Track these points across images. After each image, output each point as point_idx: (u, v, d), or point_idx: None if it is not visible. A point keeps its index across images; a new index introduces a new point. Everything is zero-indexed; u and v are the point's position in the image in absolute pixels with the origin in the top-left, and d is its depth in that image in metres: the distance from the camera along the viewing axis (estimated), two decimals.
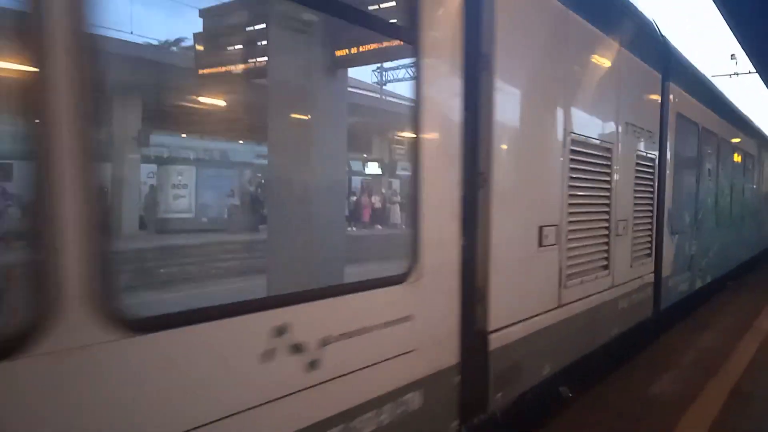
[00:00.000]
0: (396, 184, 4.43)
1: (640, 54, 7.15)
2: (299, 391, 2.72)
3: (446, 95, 3.73)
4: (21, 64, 1.86)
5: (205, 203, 15.30)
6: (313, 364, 2.78)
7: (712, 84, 11.57)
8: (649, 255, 7.57)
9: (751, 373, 6.44)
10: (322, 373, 2.83)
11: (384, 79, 32.27)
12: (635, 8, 7.21)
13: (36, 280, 1.78)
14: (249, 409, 2.48)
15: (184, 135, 20.15)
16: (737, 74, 30.15)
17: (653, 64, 7.71)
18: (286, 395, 2.66)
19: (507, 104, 4.36)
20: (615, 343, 6.50)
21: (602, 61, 6.09)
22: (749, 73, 29.36)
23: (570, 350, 5.42)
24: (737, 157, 13.67)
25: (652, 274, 7.72)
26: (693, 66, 10.15)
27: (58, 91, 1.84)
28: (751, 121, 15.83)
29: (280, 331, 2.62)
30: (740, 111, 14.38)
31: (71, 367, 1.86)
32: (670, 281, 8.40)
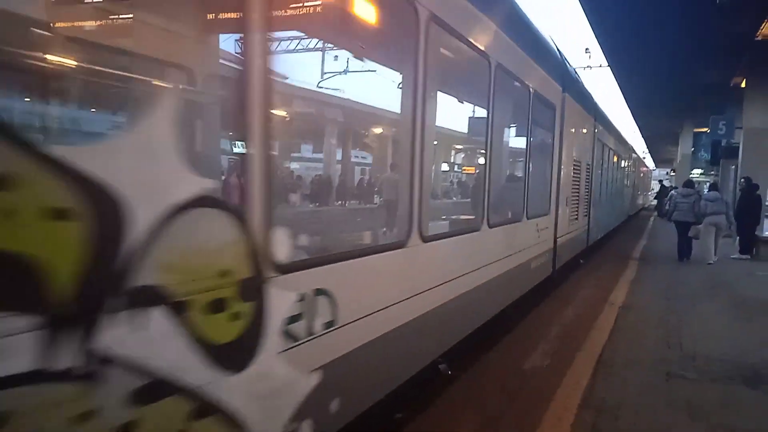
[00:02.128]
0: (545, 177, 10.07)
1: (589, 110, 13.52)
2: (535, 243, 8.58)
3: (556, 144, 9.82)
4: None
5: None
6: (538, 236, 8.68)
7: (607, 115, 18.53)
8: (586, 216, 13.51)
9: (612, 343, 6.97)
10: (539, 240, 8.77)
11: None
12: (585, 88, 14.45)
13: (408, 220, 4.24)
14: (534, 245, 8.50)
15: None
16: (590, 67, 32.74)
17: (590, 112, 13.71)
18: (536, 243, 8.60)
19: (564, 149, 10.37)
20: (577, 257, 13.14)
21: (580, 119, 12.28)
22: (600, 66, 32.04)
23: (569, 254, 11.71)
24: (616, 158, 21.06)
25: (586, 227, 13.74)
26: (602, 108, 16.70)
27: None
28: (621, 133, 24.07)
29: (537, 224, 8.57)
30: (616, 128, 21.72)
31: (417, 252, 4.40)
32: (591, 231, 14.59)
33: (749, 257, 15.33)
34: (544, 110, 8.79)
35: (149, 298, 2.14)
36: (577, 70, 17.39)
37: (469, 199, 6.56)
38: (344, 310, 3.36)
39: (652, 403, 5.14)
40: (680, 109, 29.03)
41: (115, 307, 2.03)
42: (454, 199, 4.84)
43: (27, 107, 3.21)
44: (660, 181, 47.00)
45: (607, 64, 23.98)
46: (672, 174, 51.83)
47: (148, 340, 2.15)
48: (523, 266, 7.86)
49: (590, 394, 5.28)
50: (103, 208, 1.97)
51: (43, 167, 1.78)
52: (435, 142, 5.39)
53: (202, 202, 2.37)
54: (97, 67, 3.68)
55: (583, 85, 13.44)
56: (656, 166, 70.93)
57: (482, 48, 5.65)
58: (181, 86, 2.49)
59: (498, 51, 6.10)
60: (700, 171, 37.90)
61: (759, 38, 14.30)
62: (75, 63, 3.55)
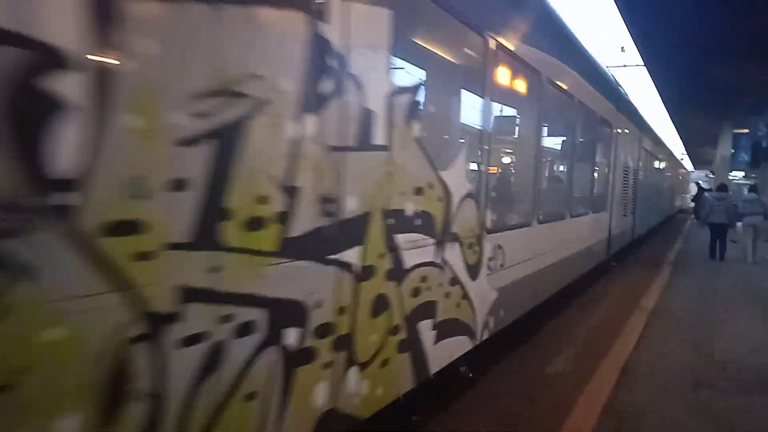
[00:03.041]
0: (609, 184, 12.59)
1: (635, 122, 15.70)
2: (597, 232, 11.07)
3: (612, 154, 12.18)
4: None
5: None
6: (599, 227, 11.21)
7: (653, 128, 21.18)
8: (632, 214, 15.55)
9: (640, 349, 6.78)
10: (599, 230, 11.31)
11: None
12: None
13: (533, 211, 6.84)
14: (596, 233, 11.12)
15: None
16: (626, 66, 32.05)
17: (636, 123, 15.77)
18: (598, 232, 11.15)
19: (618, 158, 12.63)
20: (626, 248, 15.25)
21: (629, 130, 14.42)
22: (636, 65, 31.33)
23: (620, 244, 13.75)
24: (656, 163, 23.24)
25: (632, 223, 15.84)
26: (645, 118, 18.73)
27: None
28: (661, 138, 25.72)
29: (598, 218, 11.04)
30: (657, 134, 23.25)
31: (536, 230, 6.85)
32: (635, 227, 16.66)
33: None
34: (604, 128, 11.32)
35: (453, 237, 4.51)
36: (612, 69, 17.61)
37: (558, 200, 8.61)
38: (507, 259, 5.77)
39: (677, 412, 4.98)
40: (719, 109, 28.19)
41: (445, 239, 4.37)
42: (552, 199, 8.23)
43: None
44: (698, 183, 45.81)
45: (642, 63, 23.37)
46: (711, 176, 50.39)
47: (453, 257, 4.55)
48: (590, 247, 10.49)
49: (613, 401, 5.14)
50: (448, 196, 4.37)
51: (438, 180, 4.23)
52: (546, 162, 7.80)
53: (469, 195, 4.75)
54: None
55: (631, 101, 15.60)
56: (695, 167, 69.13)
57: (573, 93, 8.30)
58: (467, 143, 5.43)
59: (581, 93, 8.73)
60: (741, 173, 36.80)
61: None
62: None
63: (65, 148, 1.72)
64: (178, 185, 2.10)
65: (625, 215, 14.24)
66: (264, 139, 2.47)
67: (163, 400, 2.09)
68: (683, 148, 56.26)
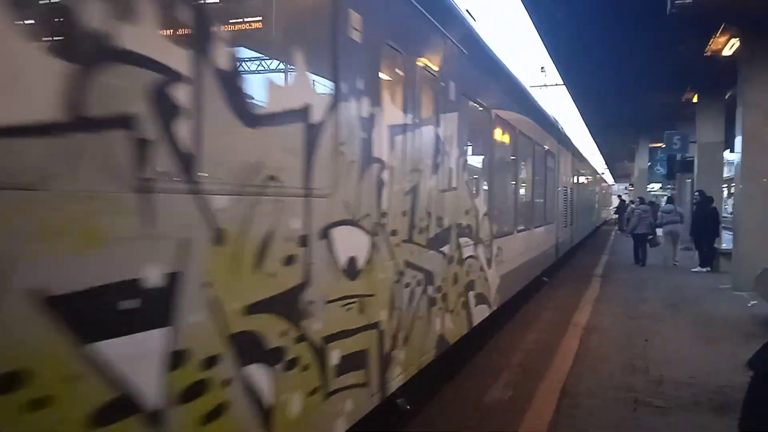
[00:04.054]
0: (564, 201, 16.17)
1: (570, 149, 18.81)
2: (549, 239, 14.24)
3: (555, 177, 15.13)
4: None
5: None
6: (550, 236, 14.30)
7: (582, 152, 25.40)
8: (571, 225, 18.91)
9: (576, 369, 6.74)
10: (550, 237, 14.45)
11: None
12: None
13: (514, 223, 9.73)
14: (549, 240, 14.25)
15: None
16: (546, 86, 33.21)
17: (570, 150, 18.93)
18: (550, 239, 14.34)
19: (560, 180, 15.91)
20: (568, 253, 18.90)
21: (566, 157, 17.77)
22: (556, 85, 32.49)
23: (564, 249, 17.21)
24: (586, 181, 27.61)
25: (571, 233, 19.15)
26: (576, 145, 22.17)
27: None
28: (588, 159, 30.76)
29: (549, 229, 14.21)
30: (585, 156, 28.10)
31: (516, 237, 9.77)
32: (573, 236, 20.19)
33: (709, 269, 15.47)
34: (551, 159, 14.43)
35: (480, 240, 7.10)
36: (533, 88, 18.81)
37: (526, 215, 10.97)
38: (504, 256, 8.36)
39: None
40: (635, 125, 29.84)
41: (477, 241, 7.00)
42: (523, 214, 10.78)
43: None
44: (619, 196, 47.76)
45: (562, 83, 24.17)
46: (630, 188, 52.70)
47: (480, 253, 7.14)
48: (546, 250, 13.78)
49: (554, 429, 4.98)
50: (478, 214, 6.99)
51: (473, 204, 6.83)
52: (520, 187, 10.32)
53: (486, 213, 7.34)
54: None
55: (566, 134, 18.67)
56: (615, 181, 72.27)
57: (534, 138, 11.26)
58: (483, 178, 7.77)
59: (537, 136, 11.85)
60: (658, 185, 38.59)
61: (708, 54, 14.49)
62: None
63: (384, 202, 4.24)
64: (403, 213, 4.62)
65: (566, 226, 17.76)
66: (424, 188, 5.03)
67: (401, 313, 4.58)
68: (604, 162, 58.74)
